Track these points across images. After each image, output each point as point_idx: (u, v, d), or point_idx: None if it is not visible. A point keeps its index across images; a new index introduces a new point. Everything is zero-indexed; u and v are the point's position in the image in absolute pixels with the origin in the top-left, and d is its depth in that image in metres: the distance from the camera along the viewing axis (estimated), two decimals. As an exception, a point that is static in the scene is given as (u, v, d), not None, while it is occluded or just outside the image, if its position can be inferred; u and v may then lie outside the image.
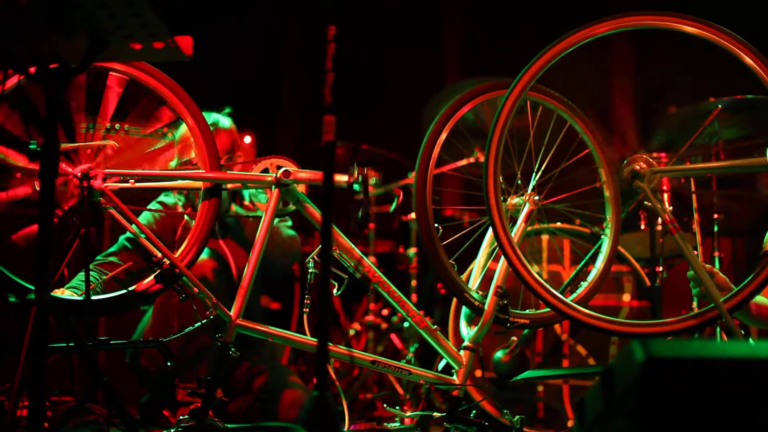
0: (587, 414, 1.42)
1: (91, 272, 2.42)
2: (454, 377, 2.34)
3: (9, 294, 2.05)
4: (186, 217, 2.88)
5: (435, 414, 2.32)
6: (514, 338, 3.01)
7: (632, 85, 4.91)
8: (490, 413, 2.88)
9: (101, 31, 1.70)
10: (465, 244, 2.48)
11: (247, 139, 3.96)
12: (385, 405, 2.69)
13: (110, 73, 2.25)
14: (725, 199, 3.38)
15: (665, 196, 3.19)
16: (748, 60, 2.12)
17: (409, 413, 2.65)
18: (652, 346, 1.21)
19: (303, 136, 5.55)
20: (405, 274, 4.23)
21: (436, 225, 2.35)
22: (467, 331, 2.44)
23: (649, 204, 2.26)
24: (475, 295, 2.39)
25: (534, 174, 2.47)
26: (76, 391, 3.05)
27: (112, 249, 2.72)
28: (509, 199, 2.46)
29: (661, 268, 3.20)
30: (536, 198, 2.45)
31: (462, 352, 2.36)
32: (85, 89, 2.24)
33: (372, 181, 2.33)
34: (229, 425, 2.26)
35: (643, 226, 3.32)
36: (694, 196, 3.02)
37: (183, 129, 2.71)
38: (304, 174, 2.34)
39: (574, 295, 2.42)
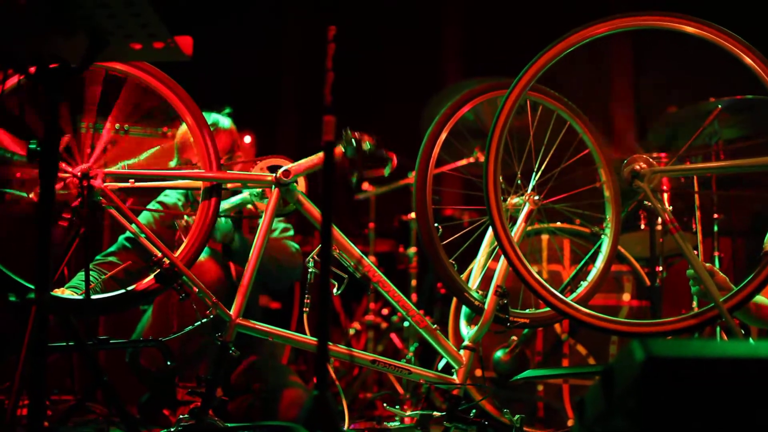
0: (587, 413, 1.42)
1: (90, 272, 2.43)
2: (454, 377, 2.34)
3: (9, 293, 2.05)
4: (186, 216, 2.88)
5: (435, 413, 2.32)
6: (514, 338, 3.01)
7: (632, 85, 4.91)
8: (490, 413, 2.88)
9: (101, 31, 1.71)
10: (465, 243, 2.48)
11: (247, 139, 3.96)
12: (385, 404, 2.69)
13: (110, 72, 2.26)
14: (725, 199, 3.39)
15: (665, 196, 3.19)
16: (748, 60, 2.12)
17: (409, 412, 2.64)
18: (652, 345, 1.21)
19: (303, 135, 5.55)
20: (405, 273, 4.24)
21: (436, 225, 2.35)
22: (467, 331, 2.44)
23: (649, 204, 2.26)
24: (475, 295, 2.39)
25: (534, 174, 2.47)
26: (76, 390, 3.05)
27: (112, 249, 2.72)
28: (509, 199, 2.46)
29: (661, 268, 3.20)
30: (536, 198, 2.45)
31: (462, 352, 2.36)
32: (85, 89, 2.24)
33: (366, 146, 2.32)
34: (229, 424, 2.26)
35: (643, 226, 3.32)
36: (696, 196, 3.02)
37: (183, 129, 2.71)
38: (304, 162, 2.35)
39: (574, 295, 2.42)
